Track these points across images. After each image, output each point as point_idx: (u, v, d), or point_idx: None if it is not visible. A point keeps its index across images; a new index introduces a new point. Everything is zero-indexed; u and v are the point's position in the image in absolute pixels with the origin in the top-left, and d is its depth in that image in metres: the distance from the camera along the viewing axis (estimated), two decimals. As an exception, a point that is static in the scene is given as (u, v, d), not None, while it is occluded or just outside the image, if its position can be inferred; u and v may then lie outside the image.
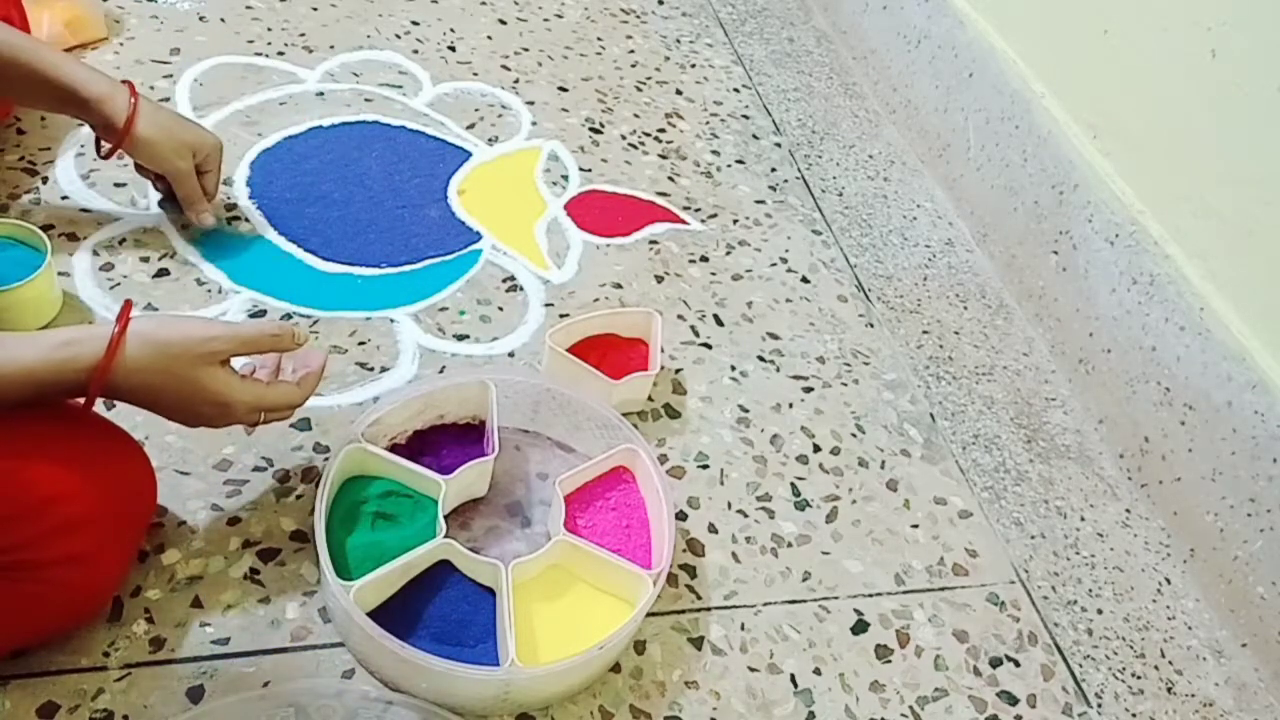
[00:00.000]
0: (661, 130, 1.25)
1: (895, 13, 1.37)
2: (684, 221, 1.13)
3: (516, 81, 1.26)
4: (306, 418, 0.84)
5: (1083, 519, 0.94)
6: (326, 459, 0.81)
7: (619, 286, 1.04)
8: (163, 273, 0.93)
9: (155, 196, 0.98)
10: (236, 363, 0.69)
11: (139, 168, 0.94)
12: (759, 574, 0.82)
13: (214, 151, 0.93)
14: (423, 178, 1.09)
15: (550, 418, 0.87)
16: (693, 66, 1.38)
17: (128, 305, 0.63)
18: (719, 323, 1.03)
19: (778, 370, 1.00)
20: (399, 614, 0.70)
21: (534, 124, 1.21)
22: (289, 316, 0.92)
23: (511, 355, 0.94)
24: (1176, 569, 0.92)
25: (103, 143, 0.91)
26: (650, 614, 0.76)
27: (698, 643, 0.77)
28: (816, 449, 0.93)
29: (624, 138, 1.22)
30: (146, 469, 0.69)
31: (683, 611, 0.79)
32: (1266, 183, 0.85)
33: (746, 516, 0.86)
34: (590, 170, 1.17)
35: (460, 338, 0.94)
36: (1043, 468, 0.98)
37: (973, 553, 0.88)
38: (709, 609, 0.79)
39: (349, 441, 0.75)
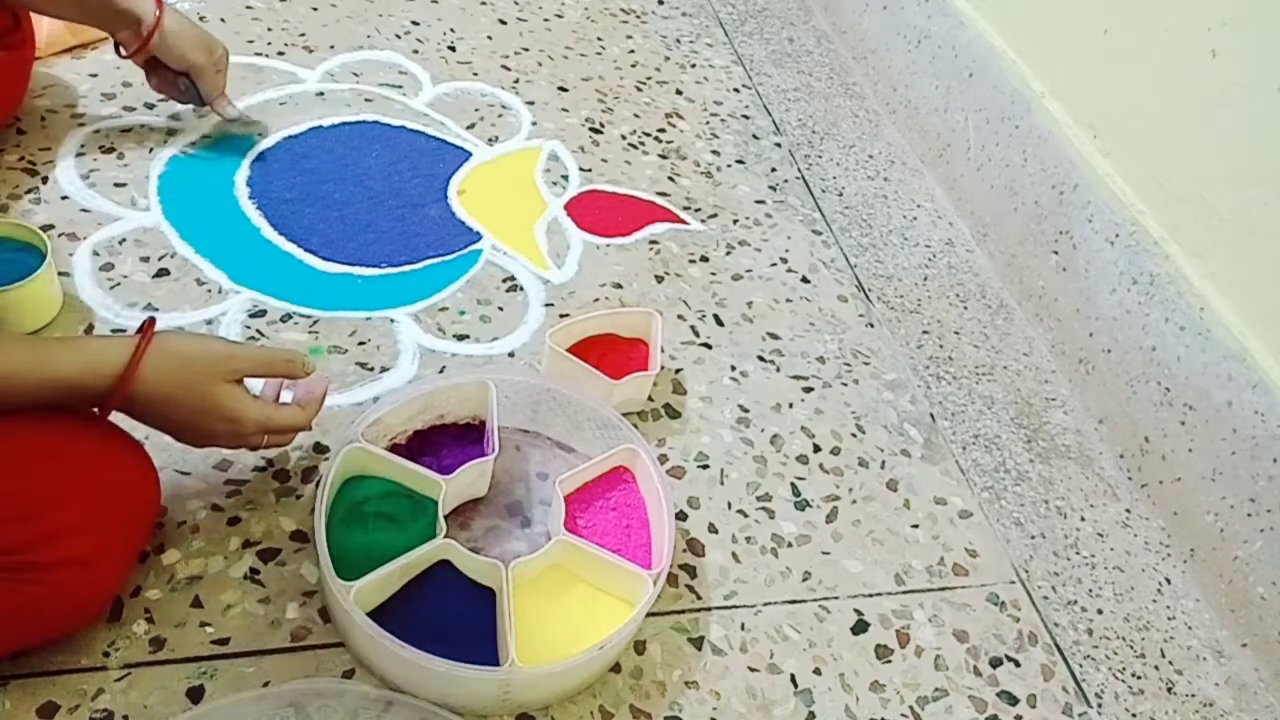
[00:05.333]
0: (661, 130, 1.25)
1: (895, 13, 1.37)
2: (684, 221, 1.13)
3: (516, 81, 1.26)
4: (306, 418, 0.84)
5: (1083, 519, 0.94)
6: (326, 459, 0.81)
7: (619, 286, 1.04)
8: (163, 273, 0.93)
9: (173, 107, 1.06)
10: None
11: (156, 76, 1.00)
12: (759, 574, 0.82)
13: (224, 52, 1.01)
14: (423, 178, 1.09)
15: (550, 418, 0.87)
16: (693, 66, 1.38)
17: (152, 322, 0.66)
18: (719, 323, 1.03)
19: (778, 370, 1.00)
20: (399, 614, 0.70)
21: (534, 124, 1.21)
22: (289, 317, 0.92)
23: (511, 355, 0.94)
24: (1176, 569, 0.92)
25: (123, 48, 0.97)
26: (650, 614, 0.76)
27: (698, 643, 0.77)
28: (816, 449, 0.93)
29: (624, 138, 1.22)
30: (149, 471, 0.70)
31: (683, 611, 0.79)
32: (1266, 183, 0.85)
33: (746, 516, 0.86)
34: (590, 170, 1.17)
35: (460, 338, 0.94)
36: (1043, 468, 0.98)
37: (973, 553, 0.88)
38: (709, 609, 0.79)
39: (349, 441, 0.75)
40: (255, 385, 0.76)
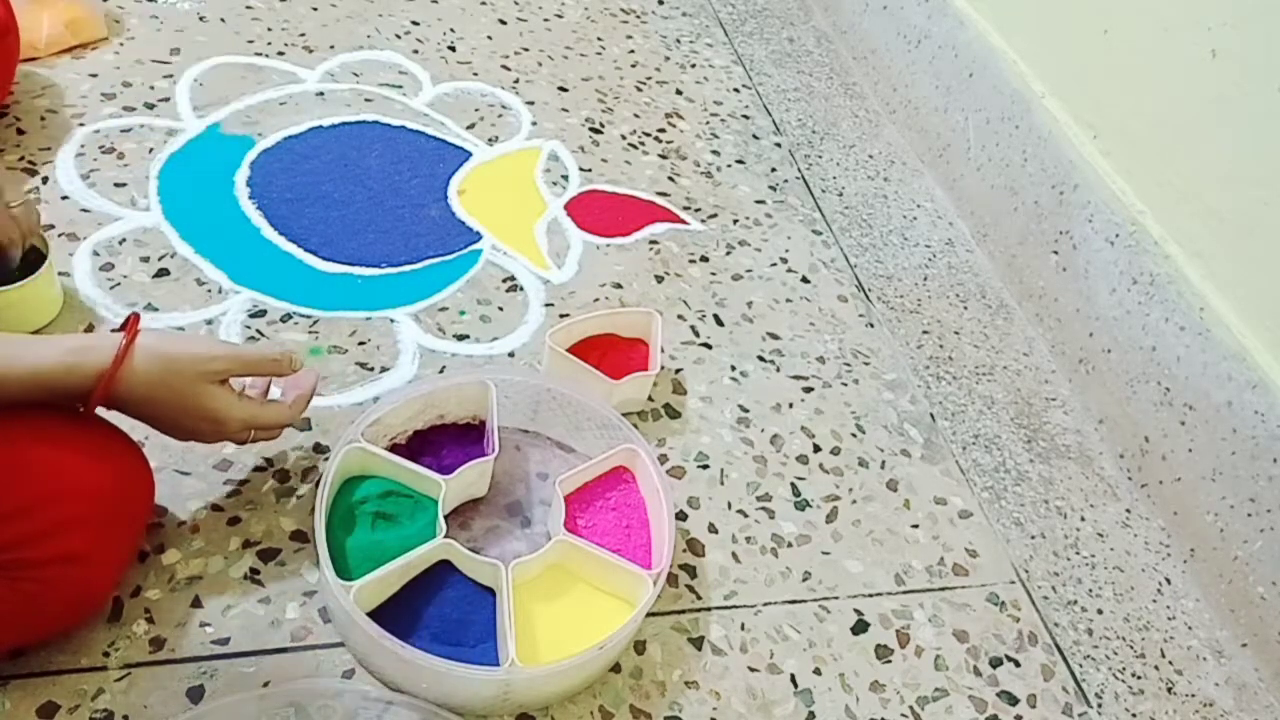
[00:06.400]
0: (661, 130, 1.25)
1: (895, 13, 1.37)
2: (684, 221, 1.13)
3: (516, 81, 1.26)
4: (307, 418, 0.84)
5: (1083, 519, 0.94)
6: (326, 459, 0.81)
7: (619, 286, 1.04)
8: (163, 273, 0.93)
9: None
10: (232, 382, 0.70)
11: None
12: (759, 574, 0.82)
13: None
14: (423, 178, 1.09)
15: (550, 418, 0.87)
16: (693, 66, 1.38)
17: (135, 318, 0.65)
18: (719, 323, 1.03)
19: (778, 370, 1.00)
20: (399, 614, 0.70)
21: (534, 124, 1.21)
22: (289, 316, 0.92)
23: (511, 355, 0.94)
24: (1176, 569, 0.92)
25: None
26: (650, 614, 0.76)
27: (698, 643, 0.77)
28: (816, 449, 0.93)
29: (624, 138, 1.22)
30: (144, 469, 0.70)
31: (683, 611, 0.79)
32: (1266, 183, 0.85)
33: (746, 516, 0.86)
34: (590, 170, 1.17)
35: (460, 338, 0.94)
36: (1043, 468, 0.98)
37: (973, 553, 0.88)
38: (709, 609, 0.79)
39: (349, 441, 0.75)
40: (244, 380, 0.75)
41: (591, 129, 1.22)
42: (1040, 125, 1.10)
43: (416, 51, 1.26)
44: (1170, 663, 0.85)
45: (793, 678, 0.76)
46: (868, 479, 0.92)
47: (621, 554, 0.75)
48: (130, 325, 0.64)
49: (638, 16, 1.45)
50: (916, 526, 0.89)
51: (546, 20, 1.39)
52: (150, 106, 1.09)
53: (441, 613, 0.72)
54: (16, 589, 0.60)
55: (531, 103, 1.23)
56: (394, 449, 0.80)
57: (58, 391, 0.62)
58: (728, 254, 1.11)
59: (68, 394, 0.63)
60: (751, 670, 0.76)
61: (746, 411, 0.95)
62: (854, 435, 0.95)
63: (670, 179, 1.19)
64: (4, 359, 0.60)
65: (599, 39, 1.38)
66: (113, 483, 0.65)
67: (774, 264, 1.11)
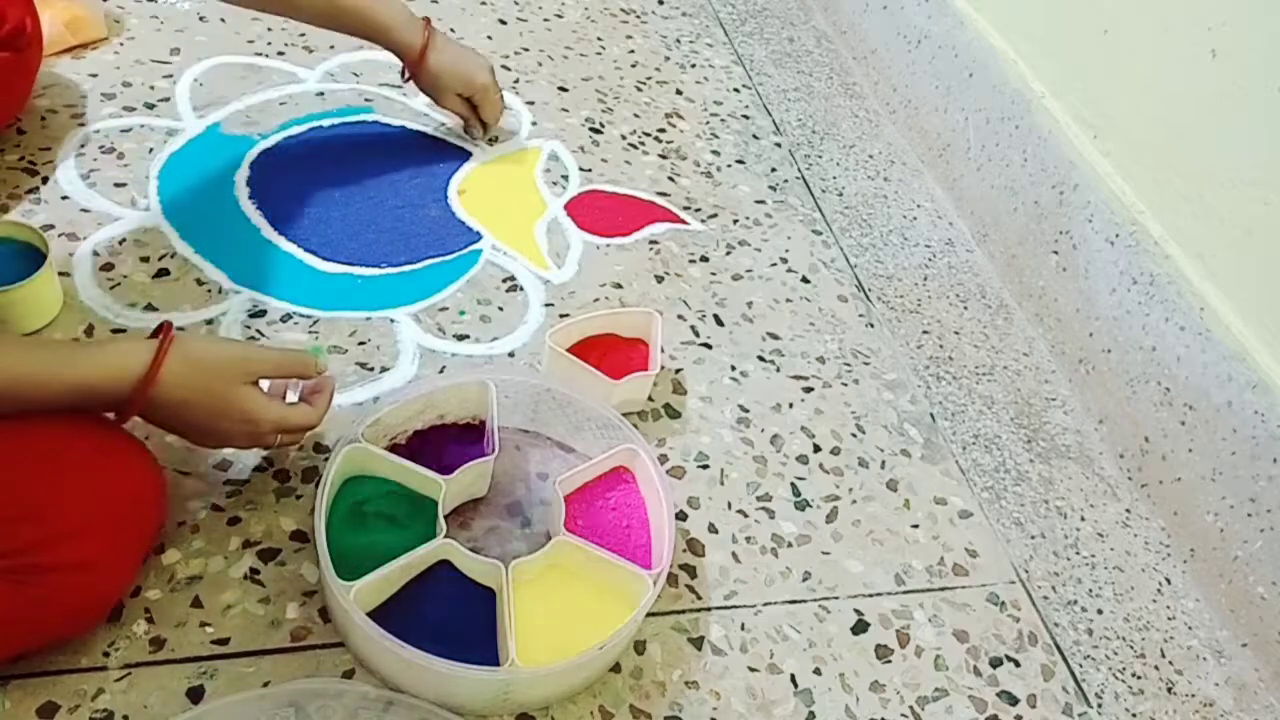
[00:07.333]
0: (661, 130, 1.25)
1: (895, 13, 1.37)
2: (684, 221, 1.13)
3: (516, 81, 1.26)
4: (306, 418, 0.84)
5: (1083, 519, 0.94)
6: (326, 459, 0.81)
7: (619, 286, 1.04)
8: (163, 273, 0.93)
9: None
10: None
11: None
12: (759, 574, 0.82)
13: (483, 91, 1.08)
14: (423, 178, 1.09)
15: (550, 418, 0.87)
16: (693, 66, 1.38)
17: (169, 325, 0.66)
18: (719, 323, 1.03)
19: (778, 370, 1.00)
20: (399, 614, 0.70)
21: (534, 124, 1.21)
22: (289, 317, 0.92)
23: (511, 355, 0.94)
24: (1176, 569, 0.92)
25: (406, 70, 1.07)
26: (650, 614, 0.76)
27: (698, 643, 0.77)
28: (816, 449, 0.93)
29: (624, 138, 1.22)
30: (156, 475, 0.69)
31: (683, 611, 0.79)
32: (1266, 183, 0.85)
33: (746, 516, 0.86)
34: (590, 170, 1.17)
35: (460, 338, 0.94)
36: (1043, 468, 0.98)
37: (973, 553, 0.88)
38: (709, 609, 0.79)
39: (349, 441, 0.75)
40: (263, 385, 0.76)
41: (591, 129, 1.22)
42: (1040, 125, 1.10)
43: (416, 51, 1.26)
44: (1170, 663, 0.85)
45: (793, 678, 0.76)
46: (868, 479, 0.92)
47: (621, 554, 0.75)
48: (164, 331, 0.65)
49: (638, 16, 1.45)
50: (916, 526, 0.89)
51: (546, 20, 1.39)
52: (150, 106, 1.09)
53: (441, 613, 0.72)
54: (25, 594, 0.59)
55: (531, 103, 1.23)
56: (394, 449, 0.80)
57: (94, 399, 0.62)
58: (728, 254, 1.11)
59: (104, 402, 0.63)
60: (751, 670, 0.76)
61: (746, 411, 0.95)
62: (854, 435, 0.95)
63: (670, 179, 1.19)
64: (43, 367, 0.60)
65: (599, 39, 1.38)
66: (122, 489, 0.65)
67: (774, 264, 1.11)
